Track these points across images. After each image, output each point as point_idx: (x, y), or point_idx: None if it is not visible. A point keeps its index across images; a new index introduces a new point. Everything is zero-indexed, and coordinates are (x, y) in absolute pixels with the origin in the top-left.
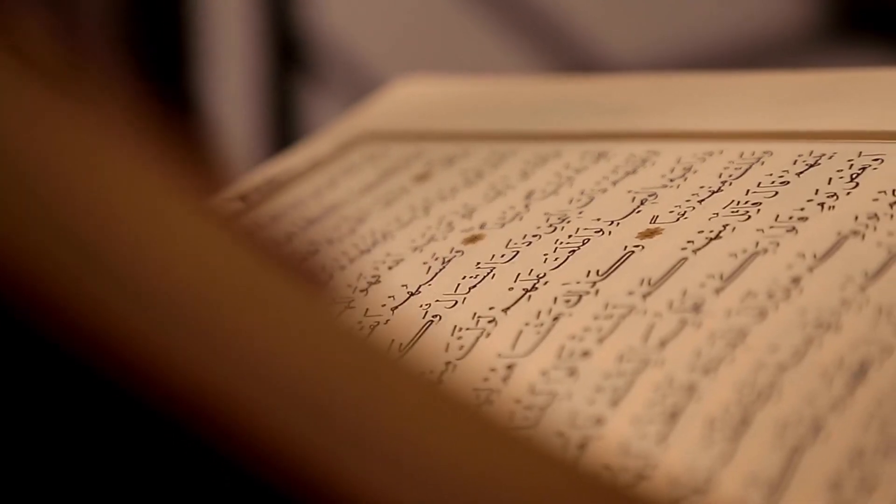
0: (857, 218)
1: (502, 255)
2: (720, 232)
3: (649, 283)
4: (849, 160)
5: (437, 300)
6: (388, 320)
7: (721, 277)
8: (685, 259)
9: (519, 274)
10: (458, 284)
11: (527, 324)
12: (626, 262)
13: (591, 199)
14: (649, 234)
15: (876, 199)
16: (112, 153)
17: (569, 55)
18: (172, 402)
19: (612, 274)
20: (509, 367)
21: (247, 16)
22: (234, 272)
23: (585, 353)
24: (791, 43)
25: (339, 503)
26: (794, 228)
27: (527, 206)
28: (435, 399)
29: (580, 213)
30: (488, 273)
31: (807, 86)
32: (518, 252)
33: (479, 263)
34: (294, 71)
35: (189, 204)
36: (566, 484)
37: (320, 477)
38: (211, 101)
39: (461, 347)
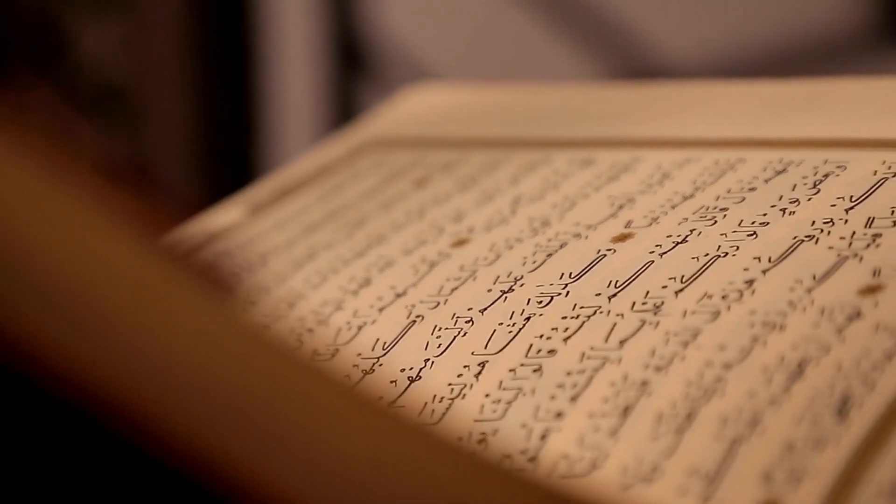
0: (813, 223)
1: (485, 258)
2: (687, 236)
3: (616, 286)
4: (814, 167)
5: (422, 301)
6: (374, 320)
7: (682, 280)
8: (651, 262)
9: (498, 276)
10: (442, 287)
11: (500, 323)
12: (598, 265)
13: (574, 205)
14: (622, 238)
15: (833, 205)
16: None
17: (627, 59)
18: (82, 399)
19: (584, 276)
20: (481, 364)
21: (310, 18)
22: (139, 272)
23: (551, 352)
24: (850, 45)
25: (244, 494)
26: (754, 233)
27: (513, 211)
28: (344, 397)
29: (562, 217)
30: (470, 275)
31: (786, 94)
32: (500, 255)
33: (462, 266)
34: (356, 73)
35: (83, 204)
36: (475, 476)
37: (225, 469)
38: (274, 103)
39: (439, 346)
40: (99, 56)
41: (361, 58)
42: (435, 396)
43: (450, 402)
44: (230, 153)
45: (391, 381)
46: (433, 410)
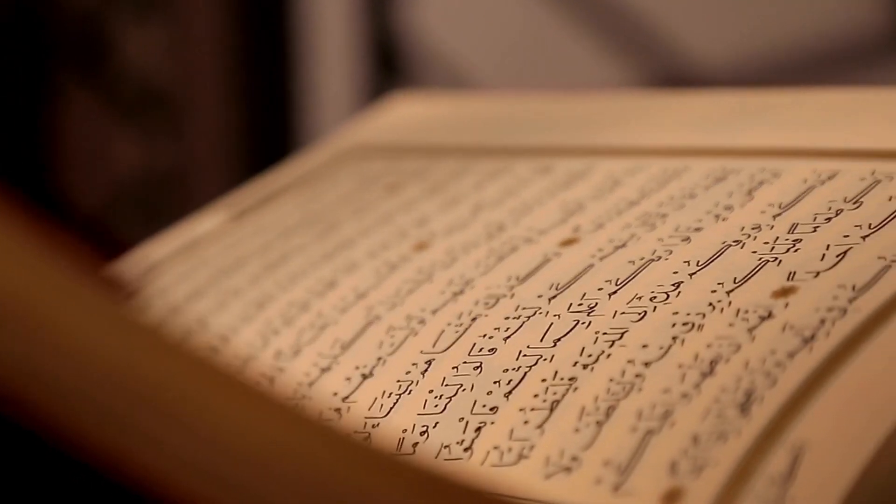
0: (742, 229)
1: (442, 262)
2: (627, 241)
3: (556, 288)
4: (751, 175)
5: (381, 302)
6: (336, 321)
7: (616, 282)
8: (591, 266)
9: (452, 279)
10: (400, 288)
11: (449, 324)
12: (543, 268)
13: (529, 210)
14: (568, 242)
15: (763, 212)
16: None
17: (661, 65)
18: None
19: (530, 279)
20: (428, 362)
21: (348, 24)
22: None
23: (492, 350)
24: (878, 49)
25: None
26: (688, 238)
27: (474, 217)
28: (242, 393)
29: (517, 222)
30: (426, 278)
31: (735, 105)
32: (456, 259)
33: (420, 269)
34: (393, 77)
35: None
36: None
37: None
38: (312, 107)
39: (392, 344)
40: (142, 61)
41: (398, 62)
42: (384, 392)
43: (397, 397)
44: (270, 157)
45: (346, 378)
46: (381, 405)
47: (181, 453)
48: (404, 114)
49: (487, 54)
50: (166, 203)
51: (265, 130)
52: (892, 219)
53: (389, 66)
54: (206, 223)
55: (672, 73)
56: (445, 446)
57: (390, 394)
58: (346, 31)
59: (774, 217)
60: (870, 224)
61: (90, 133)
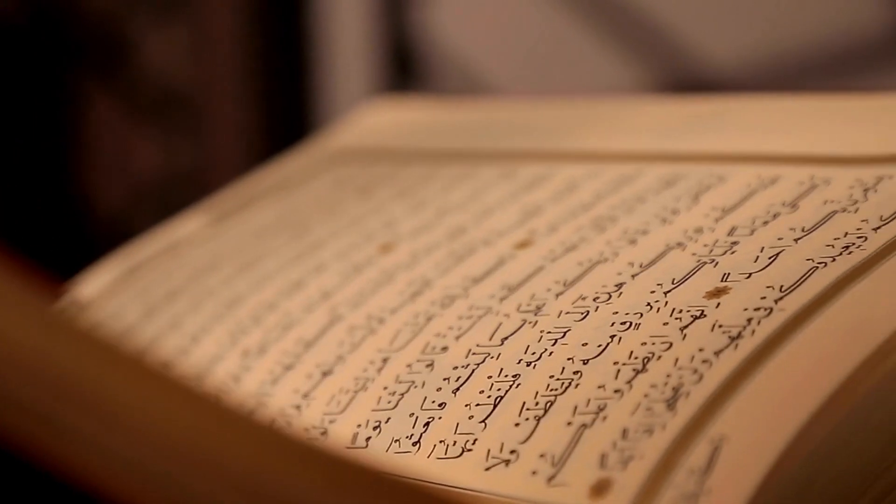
0: (685, 232)
1: (404, 263)
2: (577, 244)
3: (508, 288)
4: (699, 180)
5: (344, 302)
6: (301, 320)
7: (564, 283)
8: (542, 267)
9: (412, 280)
10: (363, 289)
11: (406, 323)
12: (498, 269)
13: (490, 214)
14: (523, 244)
15: (707, 215)
16: None
17: (675, 68)
18: None
19: (484, 280)
20: (384, 360)
21: (365, 28)
22: None
23: (444, 349)
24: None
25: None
26: (634, 241)
27: (439, 219)
28: (163, 388)
29: (477, 225)
30: (389, 279)
31: (693, 111)
32: (418, 260)
33: (384, 270)
34: (409, 80)
35: None
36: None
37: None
38: (330, 110)
39: (352, 343)
40: (162, 64)
41: (414, 64)
42: (342, 389)
43: (354, 393)
44: None
45: (308, 375)
46: (339, 401)
47: (103, 446)
48: (383, 118)
49: (503, 57)
50: (185, 202)
51: (282, 131)
52: (824, 222)
53: (405, 68)
54: (187, 225)
55: (685, 76)
56: (396, 440)
57: (347, 390)
58: (362, 33)
59: (716, 220)
60: (803, 227)
61: (111, 134)
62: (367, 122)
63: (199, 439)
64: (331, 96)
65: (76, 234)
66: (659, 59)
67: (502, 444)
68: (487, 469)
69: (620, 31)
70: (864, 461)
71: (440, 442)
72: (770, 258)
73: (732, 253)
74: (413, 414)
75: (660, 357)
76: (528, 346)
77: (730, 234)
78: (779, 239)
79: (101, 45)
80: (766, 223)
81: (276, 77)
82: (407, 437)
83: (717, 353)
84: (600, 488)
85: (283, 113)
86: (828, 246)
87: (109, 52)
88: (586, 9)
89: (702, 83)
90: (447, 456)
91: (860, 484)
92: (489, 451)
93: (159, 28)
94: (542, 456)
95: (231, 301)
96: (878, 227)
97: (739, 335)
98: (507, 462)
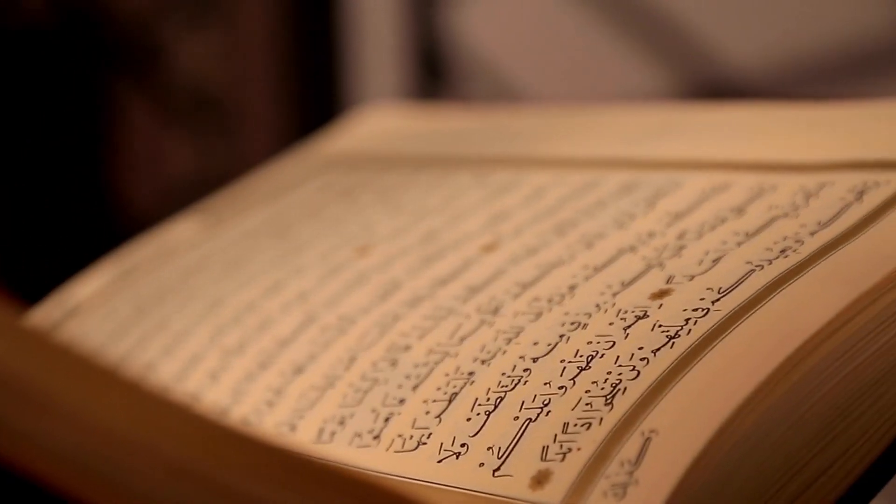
0: (639, 236)
1: (378, 266)
2: (539, 247)
3: (471, 290)
4: (657, 186)
5: (319, 303)
6: (279, 320)
7: (522, 285)
8: (504, 270)
9: (384, 281)
10: (338, 290)
11: (375, 323)
12: (464, 272)
13: (462, 218)
14: (488, 248)
15: (660, 220)
16: None
17: (704, 74)
18: None
19: (450, 282)
20: (352, 358)
21: (395, 31)
22: None
23: (407, 348)
24: None
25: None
26: (591, 244)
27: (415, 223)
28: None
29: (449, 229)
30: (362, 281)
31: (659, 119)
32: (391, 263)
33: (359, 272)
34: (437, 81)
35: None
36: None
37: None
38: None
39: (324, 342)
40: (195, 66)
41: (443, 68)
42: (312, 386)
43: (322, 390)
44: None
45: (281, 373)
46: (309, 398)
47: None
48: (373, 124)
49: (531, 61)
50: None
51: (313, 132)
52: (767, 227)
53: (434, 70)
54: (180, 228)
55: (712, 80)
56: (358, 434)
57: (317, 387)
58: (392, 37)
59: (668, 225)
60: (747, 232)
61: (145, 136)
62: (360, 128)
63: (137, 428)
64: (361, 98)
65: (110, 233)
66: (686, 64)
67: (454, 438)
68: (440, 461)
69: (648, 35)
70: (786, 454)
71: (398, 436)
72: (713, 261)
73: (679, 256)
74: (375, 410)
75: (603, 355)
76: (485, 346)
77: (679, 238)
78: (723, 243)
79: (135, 49)
80: (713, 228)
81: (307, 79)
82: (368, 431)
83: (654, 352)
84: (540, 479)
85: (313, 114)
86: (767, 249)
87: (143, 56)
88: (614, 13)
89: (727, 87)
90: (404, 449)
91: (782, 475)
92: (442, 444)
93: (192, 31)
94: (489, 449)
95: (214, 301)
96: (815, 232)
97: (677, 334)
98: (458, 455)
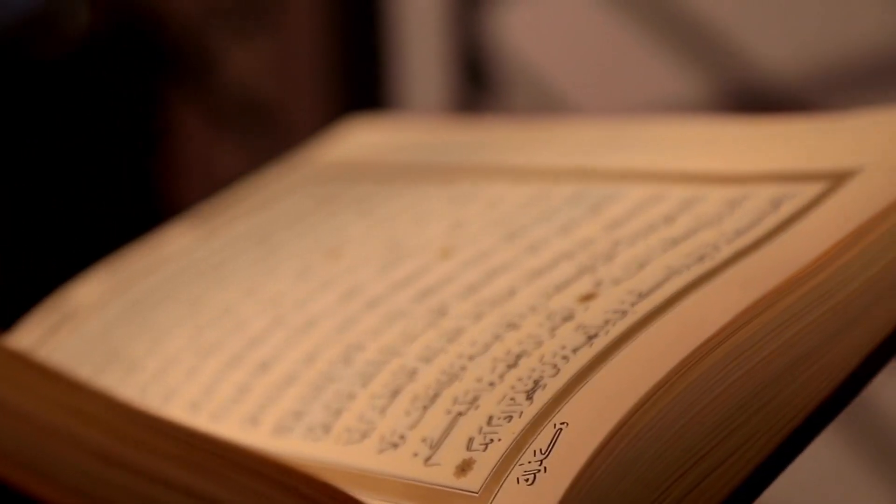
0: (579, 243)
1: (344, 271)
2: (489, 253)
3: (423, 293)
4: (603, 195)
5: (288, 300)
6: (251, 321)
7: (469, 289)
8: (455, 274)
9: (348, 285)
10: (306, 294)
11: (336, 324)
12: (419, 277)
13: (425, 225)
14: (444, 254)
15: (600, 228)
16: None
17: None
18: None
19: (407, 286)
20: (311, 357)
21: (439, 40)
22: None
23: (362, 347)
24: None
25: None
26: (536, 251)
27: (382, 229)
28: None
29: (412, 236)
30: (327, 285)
31: (615, 132)
32: (355, 268)
33: (325, 277)
34: (481, 91)
35: None
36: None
37: None
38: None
39: (288, 342)
40: (245, 74)
41: (487, 77)
42: (274, 383)
43: (283, 387)
44: None
45: (248, 372)
46: (270, 395)
47: None
48: (357, 135)
49: (575, 69)
50: None
51: None
52: (691, 235)
53: (477, 78)
54: (171, 235)
55: (754, 90)
56: (312, 428)
57: (279, 385)
58: (437, 45)
59: (605, 233)
60: (673, 239)
61: (195, 142)
62: (345, 139)
63: (64, 417)
64: (406, 105)
65: None
66: (726, 72)
67: (394, 431)
68: (380, 452)
69: (691, 44)
70: (685, 445)
71: (346, 429)
72: (638, 267)
73: (610, 262)
74: (328, 405)
75: (530, 354)
76: (429, 345)
77: (613, 245)
78: (651, 250)
79: (186, 58)
80: (644, 236)
81: (353, 86)
82: (321, 425)
83: (574, 351)
84: (464, 467)
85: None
86: (687, 256)
87: (194, 64)
88: (657, 21)
89: (768, 97)
90: (350, 441)
91: (682, 466)
92: (383, 436)
93: (241, 40)
94: (423, 440)
95: (194, 302)
96: (732, 240)
97: (596, 335)
98: (396, 446)
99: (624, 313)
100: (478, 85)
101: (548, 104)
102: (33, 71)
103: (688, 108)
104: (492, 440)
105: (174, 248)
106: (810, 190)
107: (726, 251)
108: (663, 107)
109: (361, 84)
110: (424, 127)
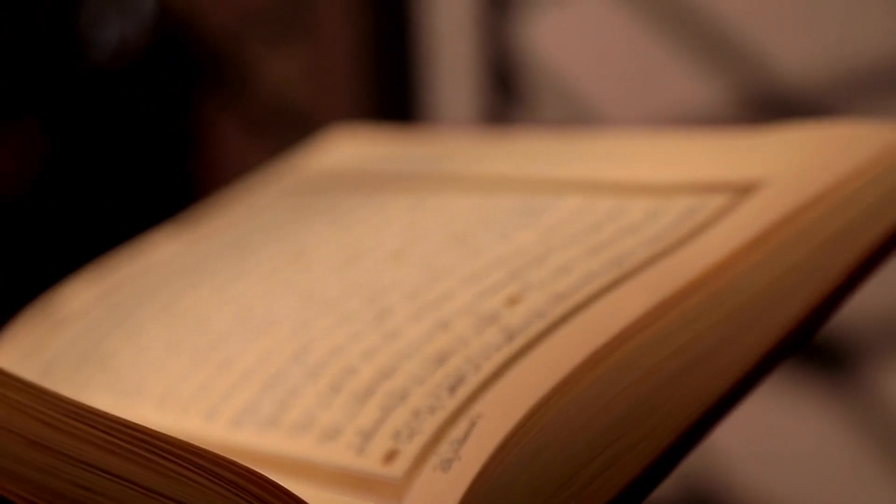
0: (515, 249)
1: (307, 274)
2: (434, 257)
3: (372, 295)
4: (541, 205)
5: (251, 301)
6: (215, 319)
7: (413, 292)
8: (403, 277)
9: (307, 287)
10: (271, 292)
11: (292, 325)
12: (371, 281)
13: (382, 230)
14: (394, 258)
15: (536, 235)
16: None
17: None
18: None
19: (359, 290)
20: (268, 356)
21: (471, 50)
22: None
23: (312, 347)
24: None
25: None
26: (477, 255)
27: (344, 235)
28: None
29: (369, 241)
30: (289, 287)
31: (563, 144)
32: (316, 270)
33: (290, 277)
34: (511, 100)
35: None
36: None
37: None
38: (437, 126)
39: (249, 342)
40: (280, 83)
41: (517, 87)
42: (234, 380)
43: (240, 384)
44: None
45: (210, 371)
46: (229, 392)
47: None
48: (340, 146)
49: (603, 79)
50: None
51: None
52: (613, 242)
53: (507, 89)
54: (157, 241)
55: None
56: (264, 423)
57: (236, 382)
58: (467, 57)
59: (540, 240)
60: (598, 247)
61: (233, 151)
62: (326, 149)
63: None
64: (438, 114)
65: None
66: (756, 83)
67: (334, 424)
68: (321, 444)
69: (721, 53)
70: (589, 436)
71: (293, 423)
72: (563, 272)
73: (539, 268)
74: (278, 400)
75: (457, 353)
76: (371, 345)
77: (545, 251)
78: (577, 256)
79: (222, 66)
80: (574, 243)
81: (387, 95)
82: (270, 419)
83: (496, 349)
84: (390, 456)
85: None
86: (608, 262)
87: (231, 72)
88: (686, 30)
89: (797, 106)
90: (296, 434)
91: (587, 454)
92: (324, 429)
93: (276, 49)
94: (358, 433)
95: (168, 302)
96: (646, 247)
97: (516, 335)
98: (334, 438)
99: (543, 315)
100: (507, 93)
101: (576, 113)
102: (82, 81)
103: (718, 117)
104: (416, 432)
105: (158, 254)
106: (718, 201)
107: (639, 258)
108: (693, 117)
109: (392, 91)
110: (402, 138)
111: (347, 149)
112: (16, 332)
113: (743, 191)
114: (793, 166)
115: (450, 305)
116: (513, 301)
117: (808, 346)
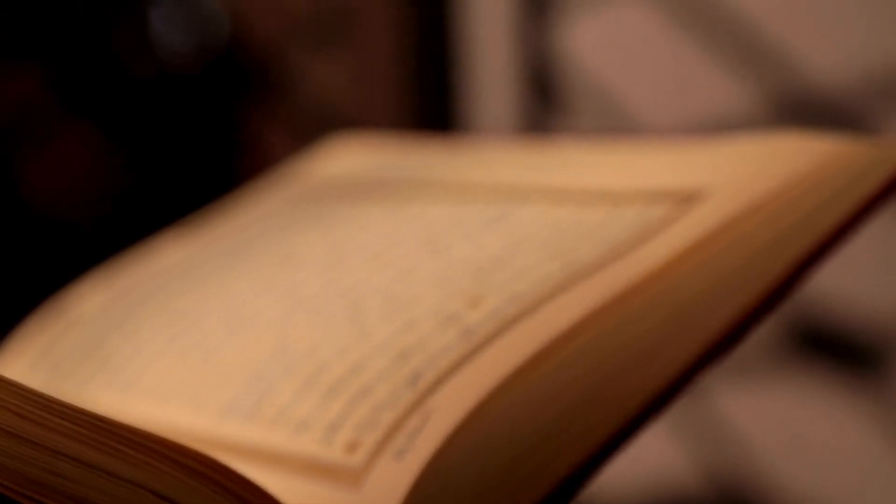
0: (481, 252)
1: (294, 277)
2: (407, 259)
3: (349, 296)
4: (507, 210)
5: (245, 302)
6: (206, 319)
7: (386, 292)
8: (379, 278)
9: (292, 288)
10: (262, 297)
11: (273, 323)
12: (351, 284)
13: (365, 233)
14: (374, 263)
15: (500, 239)
16: None
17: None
18: None
19: (339, 293)
20: (250, 352)
21: (509, 57)
22: None
23: (290, 344)
24: None
25: None
26: (445, 258)
27: (330, 239)
28: None
29: (354, 246)
30: (277, 289)
31: (535, 156)
32: (301, 271)
33: (277, 283)
34: (549, 106)
35: None
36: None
37: None
38: (475, 132)
39: (233, 337)
40: (323, 91)
41: (556, 94)
42: (214, 377)
43: (222, 380)
44: None
45: (195, 366)
46: (212, 387)
47: None
48: (339, 154)
49: (641, 86)
50: None
51: None
52: (570, 246)
53: (546, 96)
54: (161, 245)
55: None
56: (243, 415)
57: (220, 375)
58: (505, 65)
59: (505, 243)
60: (555, 251)
61: (278, 160)
62: (326, 159)
63: None
64: (477, 124)
65: None
66: (792, 90)
67: (304, 416)
68: (293, 436)
69: (758, 60)
70: (535, 427)
71: (268, 416)
72: (523, 274)
73: (502, 271)
74: (256, 395)
75: (420, 351)
76: (344, 342)
77: (508, 255)
78: (535, 260)
79: (268, 74)
80: (533, 247)
81: (428, 102)
82: (249, 412)
83: (454, 348)
84: (352, 447)
85: (433, 135)
86: (564, 265)
87: (275, 80)
88: (725, 36)
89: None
90: (271, 427)
91: (532, 445)
92: (297, 421)
93: (319, 57)
94: (326, 424)
95: (165, 303)
96: (596, 248)
97: (473, 333)
98: (304, 429)
99: (499, 315)
100: (545, 99)
101: (613, 120)
102: (145, 87)
103: (754, 122)
104: (376, 423)
105: (164, 261)
106: (665, 208)
107: (589, 261)
108: (728, 123)
109: (433, 98)
110: (401, 147)
111: (348, 157)
112: (30, 331)
113: (688, 199)
114: (736, 176)
115: (418, 306)
116: (474, 303)
117: (840, 343)
